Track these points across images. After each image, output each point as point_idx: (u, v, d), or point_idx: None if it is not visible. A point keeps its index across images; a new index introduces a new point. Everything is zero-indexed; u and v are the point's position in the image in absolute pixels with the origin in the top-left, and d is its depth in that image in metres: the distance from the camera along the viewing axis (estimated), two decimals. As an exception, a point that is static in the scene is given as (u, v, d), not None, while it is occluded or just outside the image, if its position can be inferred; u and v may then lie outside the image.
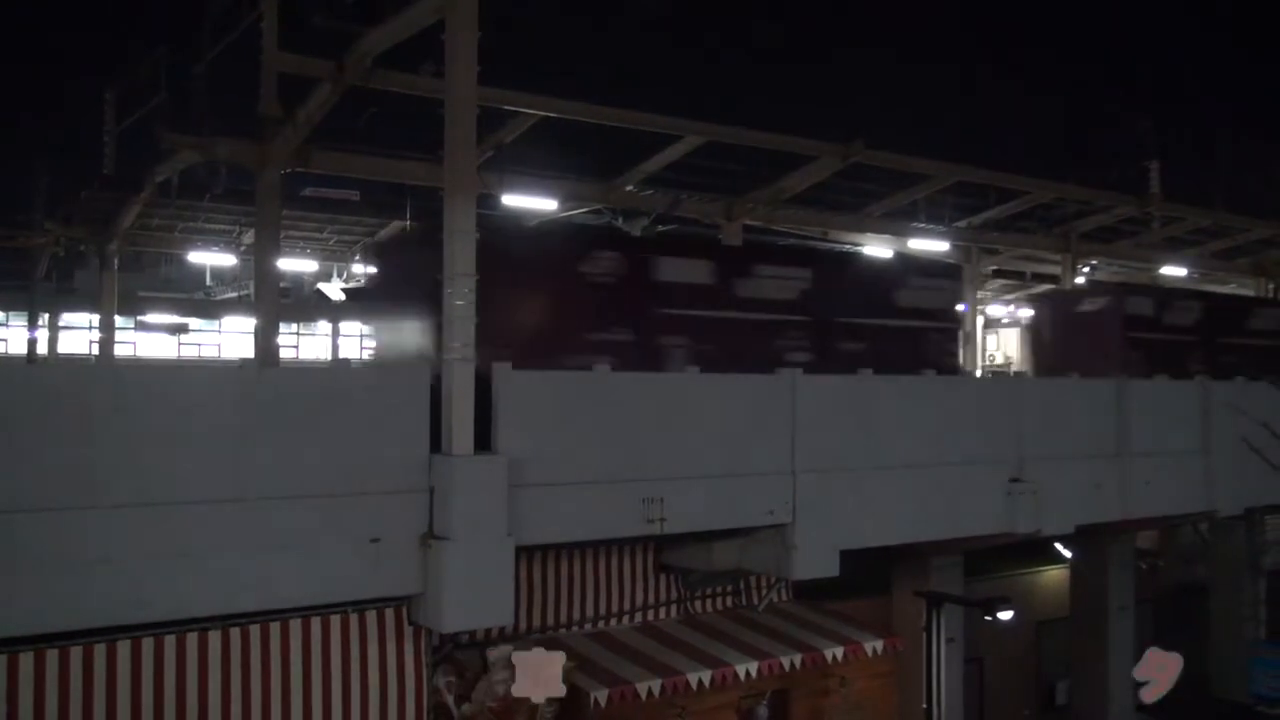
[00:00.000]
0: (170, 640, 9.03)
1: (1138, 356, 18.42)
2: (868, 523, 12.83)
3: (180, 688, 9.07)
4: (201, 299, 39.37)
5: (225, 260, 33.09)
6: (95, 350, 28.46)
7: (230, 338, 37.25)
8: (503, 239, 12.61)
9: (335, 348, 39.99)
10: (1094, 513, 15.62)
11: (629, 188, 19.17)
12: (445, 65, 10.18)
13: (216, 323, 38.17)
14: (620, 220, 21.18)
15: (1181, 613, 22.86)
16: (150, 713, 8.93)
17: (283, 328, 27.40)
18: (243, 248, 28.37)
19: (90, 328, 30.67)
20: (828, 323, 14.42)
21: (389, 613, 10.08)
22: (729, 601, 14.53)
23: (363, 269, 31.33)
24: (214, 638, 9.23)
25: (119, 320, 27.66)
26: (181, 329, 36.29)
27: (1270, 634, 20.55)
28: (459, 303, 9.81)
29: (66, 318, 32.69)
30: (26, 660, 8.45)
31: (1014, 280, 36.93)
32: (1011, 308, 45.06)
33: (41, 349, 28.56)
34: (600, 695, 11.34)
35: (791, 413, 12.33)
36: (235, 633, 9.32)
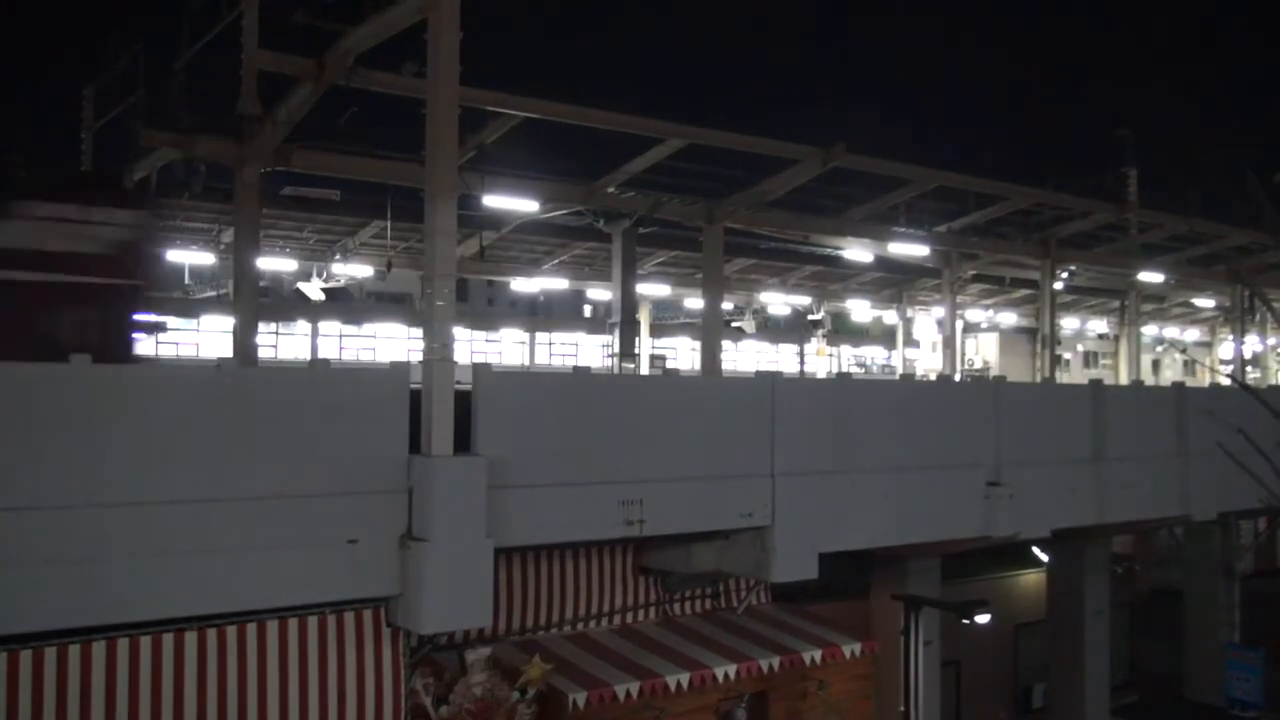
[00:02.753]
0: (146, 641, 8.97)
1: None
2: (846, 526, 12.86)
3: (156, 689, 9.00)
4: (180, 297, 39.09)
5: (204, 259, 32.85)
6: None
7: (208, 337, 37.01)
8: None
9: (314, 347, 39.80)
10: (1070, 517, 15.73)
11: (610, 189, 19.16)
12: (427, 65, 10.16)
13: (195, 322, 37.93)
14: (601, 222, 21.15)
15: (1157, 616, 23.05)
16: (125, 715, 8.86)
17: (261, 327, 27.19)
18: (222, 246, 28.16)
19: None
20: None
21: (367, 614, 10.04)
22: (708, 604, 14.54)
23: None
24: (190, 639, 9.17)
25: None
26: (159, 328, 35.98)
27: (1245, 637, 20.74)
28: (439, 303, 9.80)
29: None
30: (-1, 661, 8.38)
31: (993, 285, 37.14)
32: (990, 313, 45.39)
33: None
34: (579, 697, 11.34)
35: (770, 416, 12.36)
36: (212, 634, 9.26)
